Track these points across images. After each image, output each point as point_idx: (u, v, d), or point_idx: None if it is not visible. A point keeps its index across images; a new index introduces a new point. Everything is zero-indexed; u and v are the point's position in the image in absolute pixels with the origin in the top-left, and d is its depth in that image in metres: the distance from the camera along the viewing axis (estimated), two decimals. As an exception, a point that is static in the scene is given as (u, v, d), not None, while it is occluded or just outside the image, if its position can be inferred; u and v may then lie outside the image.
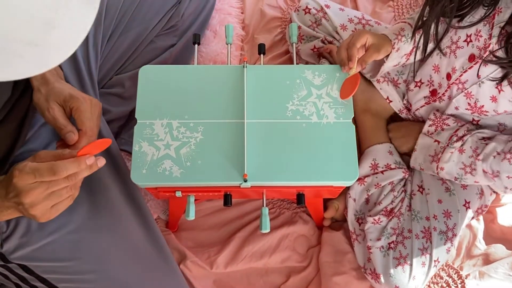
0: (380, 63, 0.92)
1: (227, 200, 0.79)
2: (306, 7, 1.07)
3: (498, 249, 1.00)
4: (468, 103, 0.84)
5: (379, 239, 0.93)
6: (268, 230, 0.78)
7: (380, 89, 1.02)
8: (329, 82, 0.84)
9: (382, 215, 0.94)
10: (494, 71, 0.77)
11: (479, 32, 0.78)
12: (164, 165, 0.77)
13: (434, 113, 0.93)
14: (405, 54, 0.88)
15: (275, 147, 0.79)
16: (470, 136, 0.83)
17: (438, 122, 0.90)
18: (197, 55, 1.00)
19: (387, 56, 0.87)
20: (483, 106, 0.82)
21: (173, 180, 0.76)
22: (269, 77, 0.84)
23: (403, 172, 0.97)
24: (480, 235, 1.02)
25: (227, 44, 0.91)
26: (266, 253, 0.99)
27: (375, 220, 0.94)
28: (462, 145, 0.83)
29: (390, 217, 0.94)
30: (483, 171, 0.84)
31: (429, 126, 0.89)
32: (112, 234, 0.80)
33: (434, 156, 0.86)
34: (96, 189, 0.83)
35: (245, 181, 0.76)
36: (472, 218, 0.98)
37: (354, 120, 1.04)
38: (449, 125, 0.89)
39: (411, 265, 0.90)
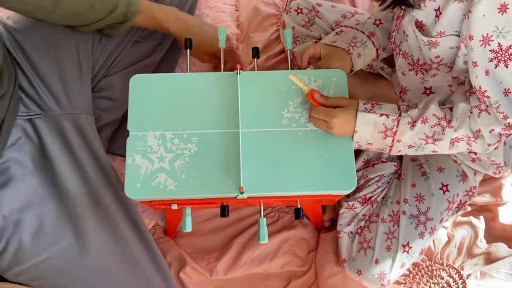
0: None
1: (224, 211, 0.78)
2: (298, 7, 1.04)
3: (500, 247, 0.99)
4: (408, 63, 0.84)
5: (348, 225, 0.93)
6: (266, 241, 0.77)
7: (386, 74, 1.01)
8: (326, 88, 0.82)
9: (357, 202, 0.94)
10: (408, 19, 0.78)
11: None
12: (159, 179, 0.76)
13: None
14: (371, 59, 0.93)
15: (271, 157, 0.77)
16: (433, 103, 0.75)
17: (372, 101, 0.79)
18: (190, 54, 0.96)
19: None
20: (418, 59, 0.82)
21: (168, 194, 0.75)
22: (263, 84, 0.82)
23: (394, 166, 0.97)
24: (481, 234, 1.01)
25: (220, 48, 0.89)
26: (266, 259, 0.98)
27: (349, 206, 0.95)
28: (421, 114, 0.74)
29: (365, 204, 0.94)
30: (455, 139, 0.75)
31: (364, 104, 0.77)
32: (107, 250, 0.79)
33: (386, 130, 0.75)
34: (90, 205, 0.81)
35: (242, 193, 0.75)
36: (464, 204, 0.96)
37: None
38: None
39: (373, 248, 0.89)
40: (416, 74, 0.86)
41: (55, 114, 0.85)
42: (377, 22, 0.92)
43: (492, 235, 1.02)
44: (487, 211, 1.03)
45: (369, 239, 0.91)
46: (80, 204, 0.80)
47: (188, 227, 0.77)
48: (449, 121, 0.74)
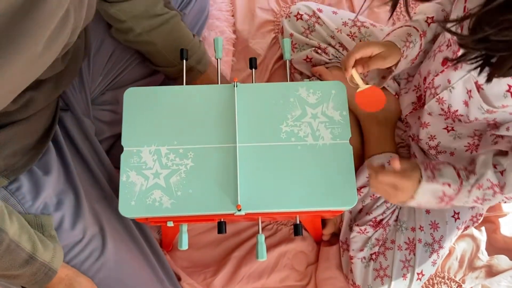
0: (382, 71, 0.89)
1: (221, 228, 0.76)
2: (298, 13, 1.02)
3: (501, 260, 0.98)
4: (441, 109, 0.80)
5: (361, 250, 0.91)
6: (264, 259, 0.75)
7: (388, 86, 0.99)
8: (325, 100, 0.80)
9: (369, 225, 0.92)
10: (464, 75, 0.72)
11: None
12: (154, 196, 0.74)
13: (417, 153, 0.90)
14: (411, 59, 0.85)
15: (269, 172, 0.75)
16: (489, 169, 0.72)
17: (428, 164, 0.76)
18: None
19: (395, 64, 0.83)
20: (457, 110, 0.77)
21: (164, 212, 0.73)
22: (261, 97, 0.80)
23: None
24: (482, 246, 0.99)
25: (217, 59, 0.87)
26: (264, 273, 0.96)
27: (361, 230, 0.92)
28: (478, 180, 0.72)
29: (377, 228, 0.92)
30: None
31: (425, 170, 0.74)
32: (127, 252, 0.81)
33: (444, 197, 0.74)
34: (107, 208, 0.81)
35: (239, 210, 0.73)
36: (467, 227, 0.95)
37: (359, 130, 1.02)
38: (439, 163, 0.77)
39: (390, 277, 0.88)
40: (446, 120, 0.82)
41: (62, 111, 0.83)
42: (429, 20, 0.83)
43: (494, 247, 1.00)
44: (489, 223, 1.02)
45: (385, 266, 0.89)
46: (97, 203, 0.80)
47: (185, 245, 0.75)
48: (502, 187, 0.72)
